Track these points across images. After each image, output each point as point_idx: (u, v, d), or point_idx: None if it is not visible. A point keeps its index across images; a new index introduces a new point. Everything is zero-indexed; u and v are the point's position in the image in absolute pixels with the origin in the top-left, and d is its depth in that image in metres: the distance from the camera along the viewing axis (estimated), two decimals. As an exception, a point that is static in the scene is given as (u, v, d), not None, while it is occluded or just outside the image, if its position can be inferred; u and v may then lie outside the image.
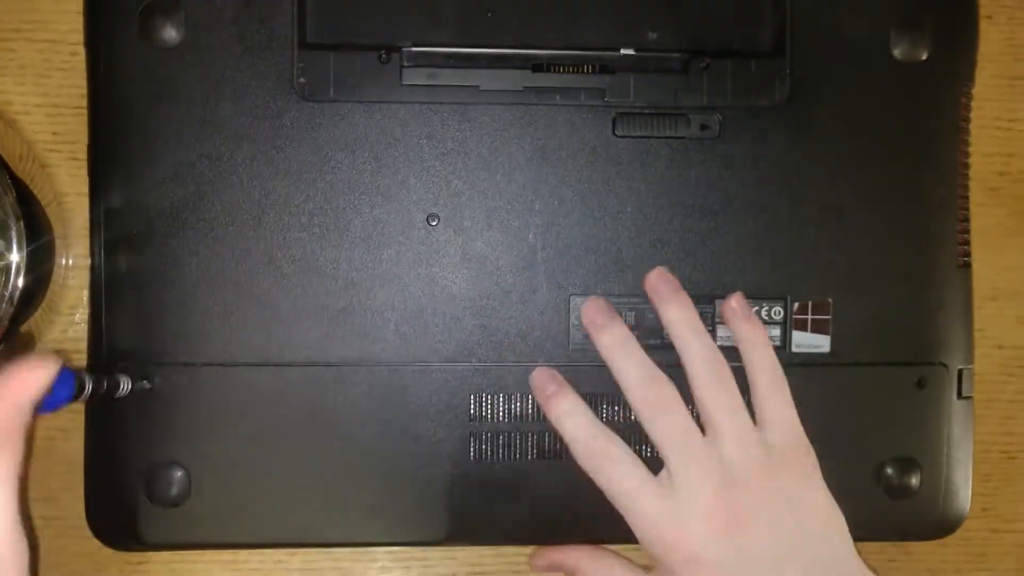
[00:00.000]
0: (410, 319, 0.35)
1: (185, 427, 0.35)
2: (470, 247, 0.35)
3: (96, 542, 0.37)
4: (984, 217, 0.38)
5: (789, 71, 0.36)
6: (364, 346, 0.35)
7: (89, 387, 0.31)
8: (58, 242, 0.38)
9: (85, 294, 0.38)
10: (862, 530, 0.36)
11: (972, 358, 0.38)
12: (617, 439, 0.35)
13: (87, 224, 0.38)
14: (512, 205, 0.36)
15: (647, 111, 0.36)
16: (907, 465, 0.37)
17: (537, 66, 0.36)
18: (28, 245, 0.34)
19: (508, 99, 0.35)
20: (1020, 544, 0.43)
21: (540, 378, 0.35)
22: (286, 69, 0.35)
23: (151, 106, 0.35)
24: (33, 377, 0.27)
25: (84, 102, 0.38)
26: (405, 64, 0.35)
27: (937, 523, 0.38)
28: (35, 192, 0.37)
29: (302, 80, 0.35)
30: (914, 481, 0.37)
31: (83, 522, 0.38)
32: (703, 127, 0.36)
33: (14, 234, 0.34)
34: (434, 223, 0.35)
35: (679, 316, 0.35)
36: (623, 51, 0.36)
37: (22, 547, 0.27)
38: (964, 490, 0.38)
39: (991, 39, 0.37)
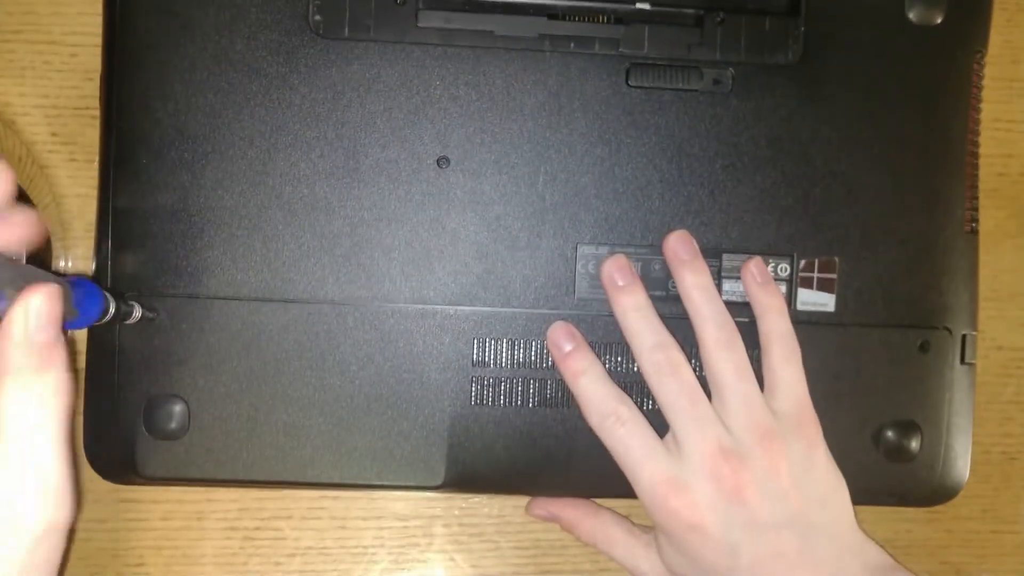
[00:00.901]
0: (416, 261, 0.35)
1: (187, 360, 0.35)
2: (479, 191, 0.35)
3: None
4: (983, 219, 0.38)
5: (803, 30, 0.36)
6: (369, 286, 0.35)
7: (112, 309, 0.31)
8: (57, 244, 0.38)
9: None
10: (859, 493, 0.36)
11: (976, 324, 0.38)
12: (628, 402, 0.35)
13: (86, 226, 0.38)
14: (523, 151, 0.36)
15: (660, 63, 0.36)
16: (907, 429, 0.37)
17: (552, 14, 0.36)
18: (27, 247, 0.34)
19: (522, 45, 0.35)
20: (1021, 545, 0.43)
21: (557, 334, 0.35)
22: (302, 5, 0.35)
23: (166, 39, 0.35)
24: (45, 293, 0.25)
25: (83, 104, 0.39)
26: (421, 6, 0.35)
27: (935, 489, 0.38)
28: (35, 193, 0.37)
29: (317, 17, 0.35)
30: (914, 445, 0.37)
31: (83, 523, 0.39)
32: (715, 82, 0.36)
33: None
34: (444, 166, 0.35)
35: (694, 280, 0.35)
36: (639, 4, 0.36)
37: (67, 504, 0.26)
38: (963, 457, 0.38)
39: (990, 41, 0.38)
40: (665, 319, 0.35)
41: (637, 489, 0.34)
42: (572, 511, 0.38)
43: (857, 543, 0.34)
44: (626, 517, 0.38)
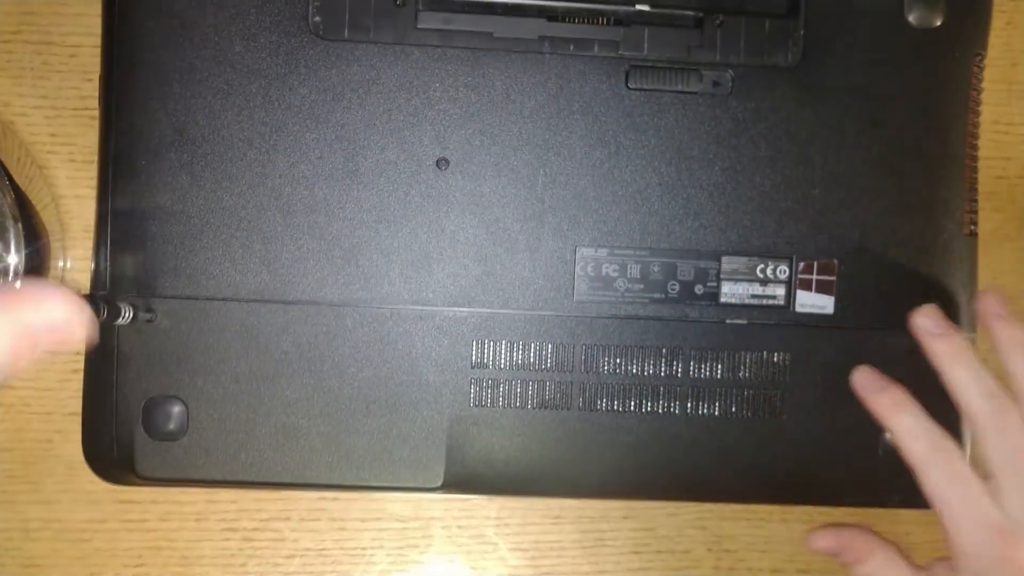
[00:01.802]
0: (415, 262, 0.35)
1: (185, 361, 0.35)
2: (478, 193, 0.35)
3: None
4: (981, 221, 0.38)
5: (803, 32, 0.36)
6: (368, 287, 0.35)
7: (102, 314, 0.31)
8: (56, 244, 0.38)
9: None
10: (861, 496, 0.36)
11: (975, 327, 0.38)
12: (950, 439, 0.34)
13: (85, 227, 0.38)
14: (522, 153, 0.36)
15: (660, 65, 0.36)
16: (906, 431, 0.37)
17: (552, 16, 0.36)
18: (26, 247, 0.34)
19: (522, 47, 0.35)
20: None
21: (866, 376, 0.35)
22: (301, 7, 0.35)
23: (165, 40, 0.35)
24: (48, 304, 0.23)
25: (83, 104, 0.39)
26: (420, 7, 0.35)
27: (934, 491, 0.38)
28: (33, 194, 0.37)
29: (317, 19, 0.35)
30: (912, 447, 0.37)
31: (82, 524, 0.39)
32: (715, 84, 0.36)
33: (12, 236, 0.34)
34: (443, 168, 0.35)
35: (951, 351, 0.34)
36: (638, 6, 0.36)
37: None
38: (962, 460, 0.38)
39: (989, 44, 0.38)
40: (665, 321, 0.35)
41: (955, 531, 0.33)
42: (859, 546, 0.37)
43: None
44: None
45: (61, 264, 0.39)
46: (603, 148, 0.36)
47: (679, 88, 0.36)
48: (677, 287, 0.36)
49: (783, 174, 0.36)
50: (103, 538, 0.39)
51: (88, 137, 0.38)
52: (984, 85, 0.38)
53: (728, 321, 0.36)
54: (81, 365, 0.35)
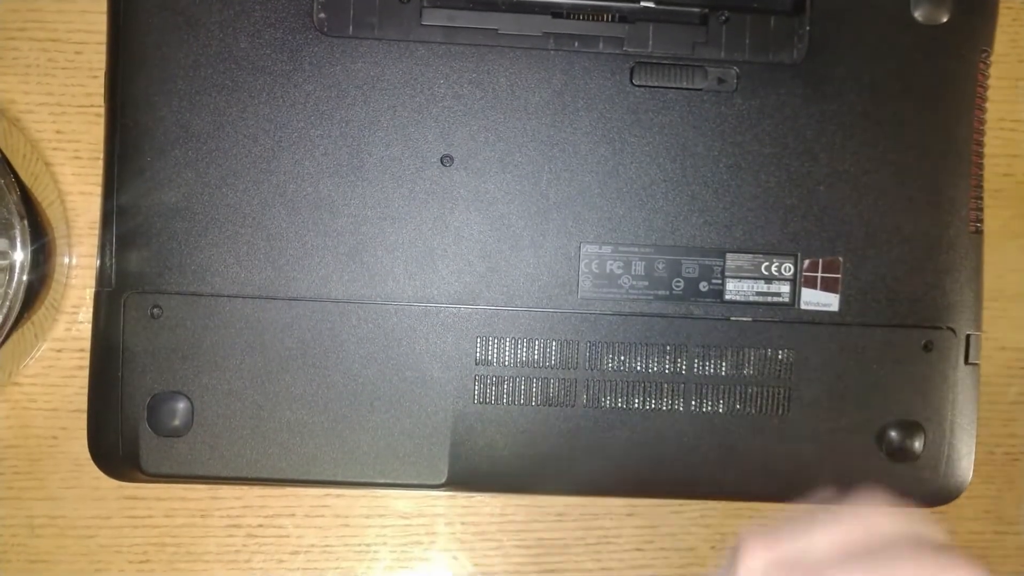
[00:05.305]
0: (420, 259, 0.35)
1: (191, 357, 0.35)
2: (483, 190, 0.35)
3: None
4: (988, 219, 0.38)
5: (808, 29, 0.36)
6: (372, 284, 0.35)
7: None
8: (61, 241, 0.38)
9: (88, 292, 0.38)
10: (864, 493, 0.36)
11: (980, 324, 0.37)
12: None
13: (90, 224, 0.38)
14: (526, 150, 0.36)
15: (665, 61, 0.36)
16: (911, 429, 0.37)
17: (557, 12, 0.36)
18: (32, 244, 0.34)
19: (527, 44, 0.35)
20: (1023, 547, 0.43)
21: None
22: (306, 3, 0.35)
23: (170, 36, 0.35)
24: None
25: (88, 101, 0.39)
26: (425, 4, 0.35)
27: (938, 489, 0.38)
28: (39, 191, 0.37)
29: (322, 15, 0.35)
30: (917, 445, 0.37)
31: (87, 520, 0.39)
32: (720, 80, 0.36)
33: (18, 233, 0.34)
34: (448, 164, 0.35)
35: None
36: (643, 2, 0.36)
37: None
38: (967, 458, 0.38)
39: (996, 40, 0.37)
40: (670, 318, 0.35)
41: None
42: None
43: None
44: None
45: (67, 261, 0.39)
46: (608, 145, 0.36)
47: (684, 85, 0.36)
48: (682, 284, 0.36)
49: (788, 171, 0.36)
50: (108, 534, 0.39)
51: (93, 134, 0.39)
52: (990, 82, 0.38)
53: (733, 318, 0.36)
54: (86, 361, 0.36)
